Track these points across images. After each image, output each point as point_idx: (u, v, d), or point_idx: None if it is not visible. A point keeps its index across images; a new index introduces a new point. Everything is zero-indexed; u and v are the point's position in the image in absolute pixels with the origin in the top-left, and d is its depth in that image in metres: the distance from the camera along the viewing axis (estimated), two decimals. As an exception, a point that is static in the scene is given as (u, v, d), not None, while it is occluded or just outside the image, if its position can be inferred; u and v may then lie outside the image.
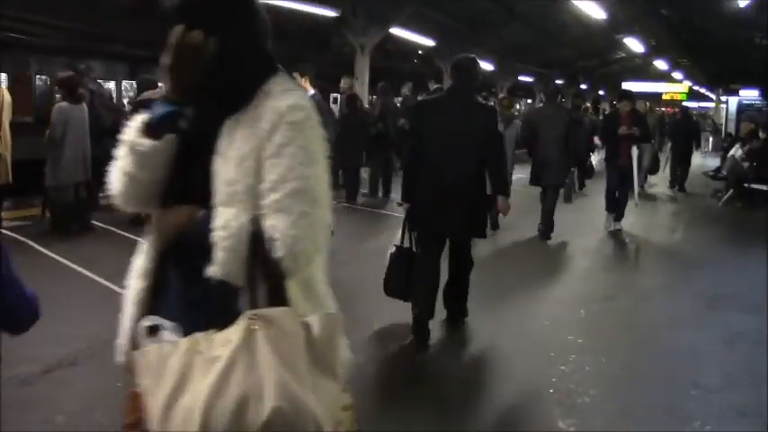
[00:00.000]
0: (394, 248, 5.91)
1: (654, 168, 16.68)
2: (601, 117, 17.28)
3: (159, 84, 10.61)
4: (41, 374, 4.78)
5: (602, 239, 10.68)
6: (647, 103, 18.04)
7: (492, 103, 10.53)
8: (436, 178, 5.63)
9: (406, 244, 5.88)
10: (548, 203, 10.34)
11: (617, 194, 11.09)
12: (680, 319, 6.90)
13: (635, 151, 10.98)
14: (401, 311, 5.95)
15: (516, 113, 17.03)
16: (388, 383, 5.04)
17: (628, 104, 10.90)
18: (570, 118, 10.55)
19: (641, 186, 15.23)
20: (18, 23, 14.66)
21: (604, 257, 9.69)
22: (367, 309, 6.35)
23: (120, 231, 9.25)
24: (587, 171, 14.68)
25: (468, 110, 5.81)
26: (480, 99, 6.56)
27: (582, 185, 15.49)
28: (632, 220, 11.71)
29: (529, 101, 35.22)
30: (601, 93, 41.05)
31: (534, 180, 10.42)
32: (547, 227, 10.30)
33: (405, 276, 5.85)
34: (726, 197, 15.42)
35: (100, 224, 9.54)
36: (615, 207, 11.12)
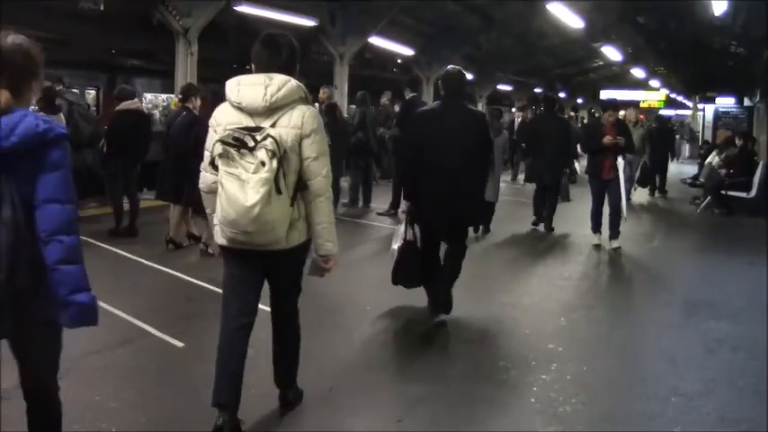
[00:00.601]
0: (401, 242, 6.65)
1: (644, 180, 16.63)
2: (579, 125, 17.47)
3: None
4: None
5: (580, 249, 10.72)
6: (638, 114, 17.81)
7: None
8: (437, 179, 6.32)
9: (410, 237, 6.61)
10: (552, 199, 11.99)
11: (607, 210, 10.57)
12: (659, 326, 6.93)
13: (621, 163, 10.33)
14: (382, 319, 5.93)
15: (504, 123, 17.10)
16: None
17: (613, 115, 10.60)
18: (568, 124, 12.84)
19: (627, 198, 15.00)
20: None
21: (584, 266, 9.72)
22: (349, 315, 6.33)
23: (99, 243, 9.20)
24: (572, 176, 14.83)
25: (463, 117, 6.53)
26: (471, 107, 7.33)
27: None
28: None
29: (513, 109, 35.29)
30: (579, 101, 41.32)
31: (537, 179, 12.15)
32: (551, 219, 11.98)
33: (414, 266, 6.64)
34: (703, 204, 15.55)
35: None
36: (600, 226, 10.75)
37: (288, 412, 4.50)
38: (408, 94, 12.28)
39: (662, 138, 18.36)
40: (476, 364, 5.62)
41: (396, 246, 6.71)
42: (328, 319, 6.51)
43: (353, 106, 14.94)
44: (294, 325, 4.44)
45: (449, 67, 6.85)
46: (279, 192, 3.79)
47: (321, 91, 13.01)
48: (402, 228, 6.69)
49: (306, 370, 4.68)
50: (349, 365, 5.47)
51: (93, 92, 17.48)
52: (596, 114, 26.05)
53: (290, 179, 3.89)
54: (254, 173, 3.73)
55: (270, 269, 4.17)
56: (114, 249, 9.03)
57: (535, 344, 6.15)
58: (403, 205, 6.69)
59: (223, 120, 3.97)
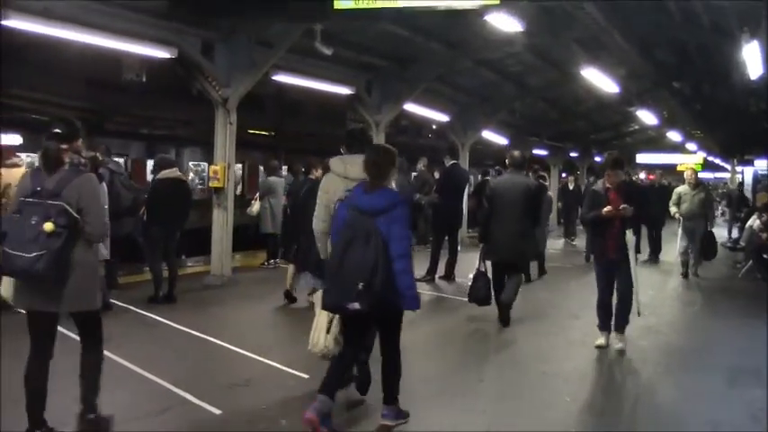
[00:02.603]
0: (475, 271, 9.59)
1: (710, 251, 14.72)
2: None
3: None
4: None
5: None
6: (697, 175, 15.13)
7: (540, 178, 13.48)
8: (503, 227, 9.31)
9: (482, 269, 9.55)
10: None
11: (614, 301, 8.46)
12: (701, 393, 6.81)
13: (630, 238, 8.16)
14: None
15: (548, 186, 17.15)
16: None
17: (618, 174, 8.35)
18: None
19: (695, 273, 14.50)
20: (26, 102, 14.94)
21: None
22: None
23: (138, 310, 9.30)
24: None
25: (522, 185, 9.60)
26: (530, 177, 10.89)
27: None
28: (651, 293, 11.59)
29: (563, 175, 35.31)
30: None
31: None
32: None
33: (484, 289, 9.50)
34: (745, 268, 15.31)
35: (118, 303, 9.58)
36: (609, 321, 8.50)
37: None
38: (448, 162, 12.42)
39: (657, 197, 17.74)
40: None
41: (470, 275, 9.68)
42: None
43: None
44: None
45: (514, 152, 10.17)
46: None
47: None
48: (477, 262, 9.62)
49: None
50: None
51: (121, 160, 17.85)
52: (633, 176, 25.84)
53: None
54: None
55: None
56: (153, 316, 9.12)
57: (572, 407, 6.07)
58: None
59: (331, 186, 5.77)
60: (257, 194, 14.79)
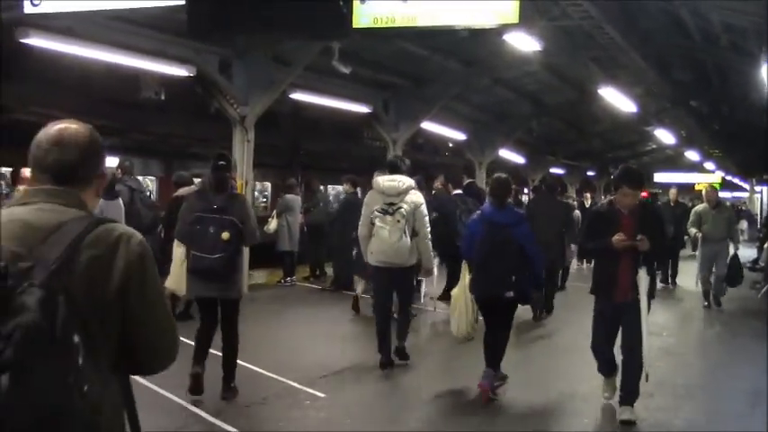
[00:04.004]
0: None
1: (735, 277, 12.90)
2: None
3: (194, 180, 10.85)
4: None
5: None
6: (716, 195, 13.87)
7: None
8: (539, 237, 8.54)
9: None
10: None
11: (616, 354, 6.67)
12: (725, 415, 6.73)
13: (643, 277, 6.32)
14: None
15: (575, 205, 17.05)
16: None
17: (633, 195, 6.41)
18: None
19: (717, 303, 12.91)
20: (43, 119, 15.03)
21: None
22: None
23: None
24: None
25: (554, 204, 11.73)
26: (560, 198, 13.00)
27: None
28: (667, 314, 11.48)
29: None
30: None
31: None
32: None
33: None
34: (765, 289, 15.14)
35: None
36: (613, 366, 6.71)
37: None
38: (465, 181, 12.42)
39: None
40: None
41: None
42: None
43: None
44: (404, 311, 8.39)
45: (548, 175, 11.64)
46: (406, 235, 7.51)
47: (375, 175, 13.14)
48: None
49: None
50: None
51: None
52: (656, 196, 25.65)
53: (409, 229, 7.54)
54: (394, 225, 7.47)
55: (395, 278, 7.83)
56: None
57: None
58: None
59: (372, 200, 7.74)
60: (274, 212, 14.82)
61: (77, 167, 2.17)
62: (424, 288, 11.41)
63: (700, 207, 13.34)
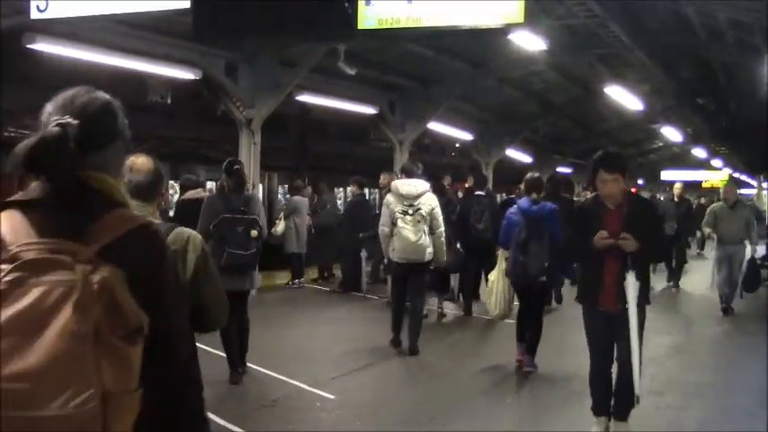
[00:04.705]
0: None
1: (754, 282, 12.15)
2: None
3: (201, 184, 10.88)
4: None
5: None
6: (735, 191, 12.97)
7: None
8: None
9: None
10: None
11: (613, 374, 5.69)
12: (734, 415, 6.70)
13: (633, 283, 5.32)
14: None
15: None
16: None
17: (612, 181, 5.41)
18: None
19: (728, 309, 11.93)
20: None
21: (652, 351, 9.47)
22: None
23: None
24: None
25: (559, 200, 10.11)
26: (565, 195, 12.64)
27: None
28: (676, 313, 11.43)
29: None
30: (639, 182, 41.00)
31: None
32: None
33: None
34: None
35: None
36: (608, 400, 5.70)
37: None
38: (471, 181, 12.42)
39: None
40: None
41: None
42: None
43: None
44: (416, 306, 8.69)
45: (556, 173, 10.89)
46: (425, 234, 8.19)
47: (382, 176, 13.15)
48: None
49: None
50: None
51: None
52: (660, 197, 25.53)
53: (427, 228, 8.21)
54: (414, 225, 8.14)
55: (412, 271, 8.44)
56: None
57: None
58: None
59: (392, 201, 8.31)
60: (282, 214, 14.82)
61: (146, 188, 3.05)
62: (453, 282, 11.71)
63: (717, 205, 12.54)
